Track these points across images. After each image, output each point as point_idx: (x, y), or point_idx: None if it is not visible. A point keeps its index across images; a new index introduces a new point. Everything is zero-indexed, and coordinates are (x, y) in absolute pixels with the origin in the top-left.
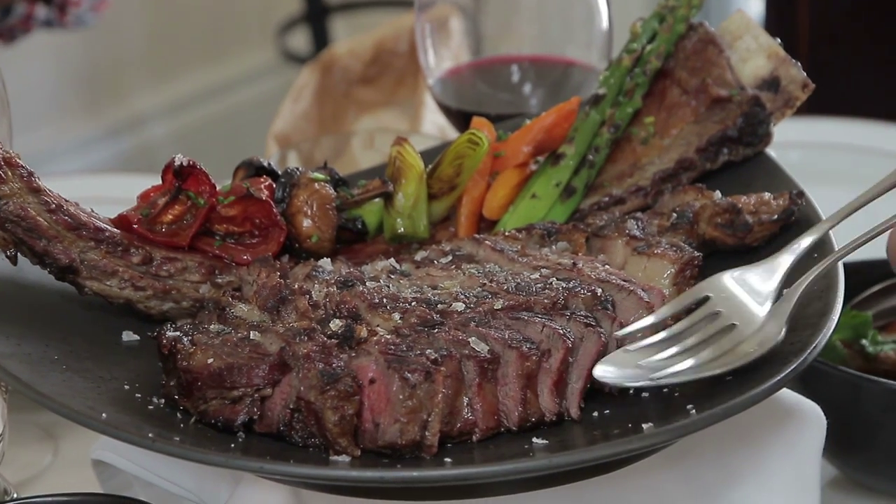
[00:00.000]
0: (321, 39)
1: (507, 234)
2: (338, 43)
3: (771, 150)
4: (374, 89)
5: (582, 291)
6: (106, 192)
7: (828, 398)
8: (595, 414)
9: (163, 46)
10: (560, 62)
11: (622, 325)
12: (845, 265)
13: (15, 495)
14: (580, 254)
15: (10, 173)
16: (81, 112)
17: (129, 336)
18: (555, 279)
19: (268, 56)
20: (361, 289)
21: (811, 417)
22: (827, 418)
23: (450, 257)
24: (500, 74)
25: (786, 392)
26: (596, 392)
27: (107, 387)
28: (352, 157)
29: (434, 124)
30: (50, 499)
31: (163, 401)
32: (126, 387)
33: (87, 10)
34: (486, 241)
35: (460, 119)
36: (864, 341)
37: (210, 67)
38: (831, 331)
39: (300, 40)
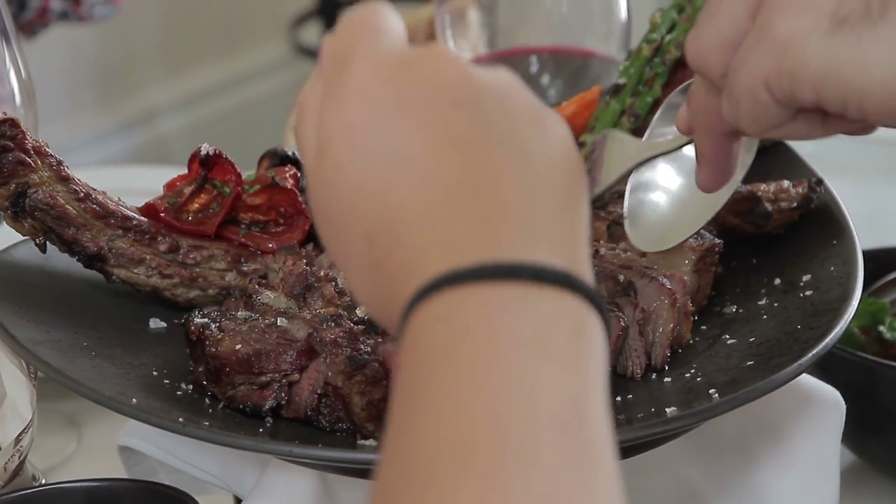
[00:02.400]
0: None
1: None
2: None
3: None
4: None
5: (603, 278)
6: (122, 184)
7: (846, 384)
8: (618, 399)
9: (176, 40)
10: (579, 53)
11: (644, 312)
12: (863, 252)
13: (43, 481)
14: (601, 241)
15: (39, 162)
16: (95, 106)
17: (156, 323)
18: None
19: (280, 50)
20: None
21: (831, 402)
22: (845, 404)
23: None
24: (519, 65)
25: (805, 377)
26: (618, 378)
27: (135, 373)
28: None
29: None
30: (78, 484)
31: (191, 387)
32: (154, 373)
33: (102, 2)
34: None
35: None
36: (881, 328)
37: (223, 61)
38: (851, 317)
39: (312, 34)
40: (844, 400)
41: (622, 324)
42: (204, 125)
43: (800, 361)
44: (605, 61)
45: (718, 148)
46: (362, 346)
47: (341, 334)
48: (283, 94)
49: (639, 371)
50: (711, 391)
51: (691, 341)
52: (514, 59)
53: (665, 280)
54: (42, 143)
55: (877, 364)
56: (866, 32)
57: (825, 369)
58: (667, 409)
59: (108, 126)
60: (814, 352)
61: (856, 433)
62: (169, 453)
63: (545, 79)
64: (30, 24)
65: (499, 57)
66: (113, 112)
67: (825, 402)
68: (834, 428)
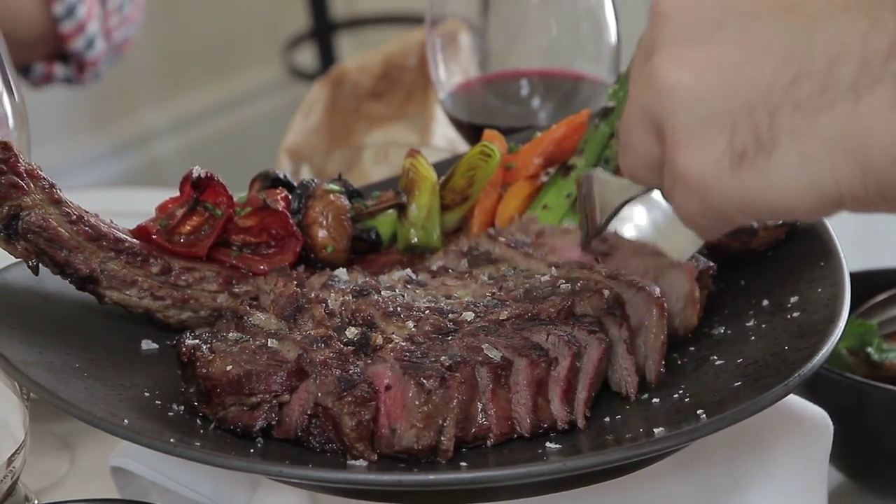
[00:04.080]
0: (327, 56)
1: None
2: (347, 58)
3: None
4: (384, 104)
5: (589, 294)
6: (116, 206)
7: (834, 405)
8: (607, 419)
9: (170, 63)
10: (569, 76)
11: (630, 329)
12: (851, 274)
13: (36, 502)
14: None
15: (32, 185)
16: (90, 128)
17: (148, 345)
18: (562, 281)
19: (274, 72)
20: (376, 298)
21: (819, 423)
22: (833, 425)
23: (465, 261)
24: (509, 88)
25: (793, 398)
26: (607, 398)
27: (127, 394)
28: (363, 170)
29: (444, 137)
30: None
31: (182, 407)
32: (146, 394)
33: (108, 60)
34: (501, 238)
35: (471, 132)
36: (869, 349)
37: (217, 84)
38: (838, 338)
39: (307, 57)
40: (833, 420)
41: (604, 345)
42: (198, 147)
43: (787, 382)
44: (594, 84)
45: None
46: (352, 368)
47: (331, 355)
48: (277, 116)
49: (632, 391)
50: (699, 412)
51: (679, 362)
52: (503, 83)
53: (654, 289)
54: (35, 166)
55: (864, 385)
56: (766, 163)
57: (813, 390)
58: (655, 430)
59: (102, 148)
60: (801, 372)
61: (844, 453)
62: (161, 474)
63: (535, 101)
64: (34, 81)
65: (489, 80)
66: (107, 134)
67: (813, 422)
68: (821, 448)
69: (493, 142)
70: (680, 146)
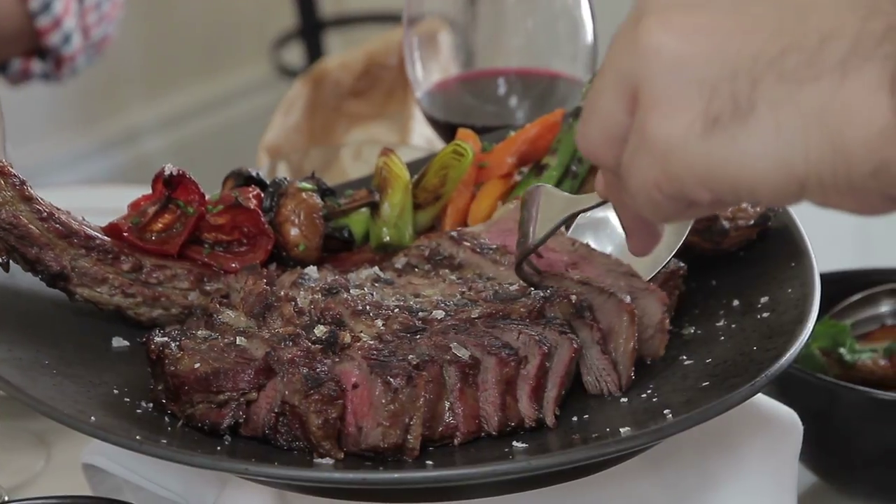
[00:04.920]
0: (315, 54)
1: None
2: (329, 57)
3: None
4: (365, 102)
5: (558, 299)
6: (100, 203)
7: (806, 405)
8: (574, 419)
9: (158, 61)
10: (545, 75)
11: (602, 331)
12: (825, 275)
13: (6, 498)
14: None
15: (2, 182)
16: (77, 125)
17: (118, 342)
18: (532, 289)
19: (263, 70)
20: (345, 296)
21: (788, 423)
22: (805, 425)
23: (429, 265)
24: (486, 87)
25: (763, 398)
26: (576, 397)
27: (96, 391)
28: (341, 169)
29: (423, 136)
30: (41, 501)
31: (151, 405)
32: (115, 391)
33: (87, 56)
34: (465, 242)
35: (447, 131)
36: (841, 350)
37: (205, 81)
38: (806, 338)
39: (295, 55)
40: (805, 421)
41: (575, 346)
42: (186, 145)
43: (753, 382)
44: (571, 83)
45: (636, 220)
46: (319, 366)
47: (299, 353)
48: (265, 114)
49: (614, 386)
50: (666, 411)
51: (649, 362)
52: (480, 81)
53: (624, 296)
54: (5, 164)
55: (835, 386)
56: (739, 130)
57: (785, 391)
58: (621, 430)
59: (90, 145)
60: (768, 373)
61: (817, 453)
62: (132, 471)
63: (512, 100)
64: (12, 78)
65: (465, 79)
66: (95, 131)
67: (782, 423)
68: (791, 448)
69: (468, 141)
70: (654, 108)
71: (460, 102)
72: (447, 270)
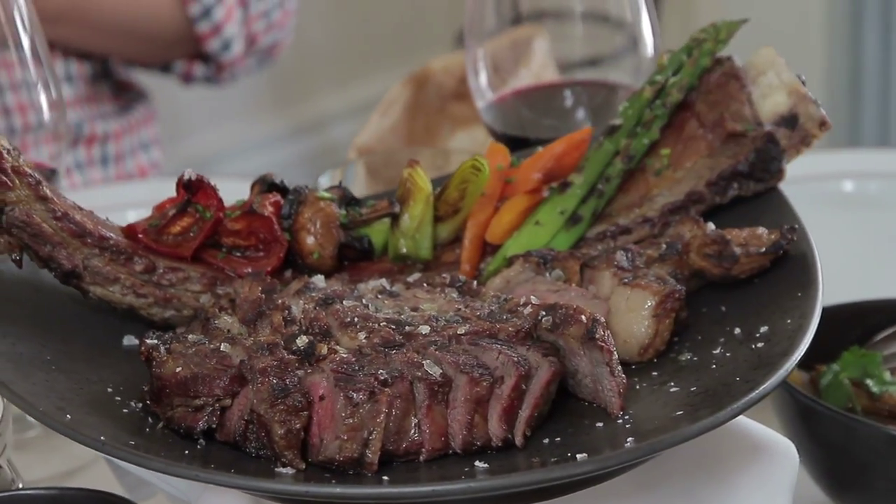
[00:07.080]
0: None
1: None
2: (433, 59)
3: (824, 182)
4: (469, 105)
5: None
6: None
7: (824, 439)
8: (546, 440)
9: (348, 49)
10: (605, 85)
11: (611, 353)
12: (865, 304)
13: (20, 486)
14: (573, 282)
15: (17, 181)
16: (270, 110)
17: (129, 340)
18: (543, 312)
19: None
20: (337, 307)
21: (783, 453)
22: (823, 458)
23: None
24: (544, 99)
25: (758, 427)
26: (556, 418)
27: (89, 388)
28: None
29: None
30: (44, 491)
31: (140, 405)
32: (109, 389)
33: (257, 61)
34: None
35: (507, 144)
36: (869, 381)
37: (393, 69)
38: (788, 371)
39: None
40: (824, 455)
41: (554, 369)
42: None
43: (717, 416)
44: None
45: None
46: (289, 377)
47: (273, 363)
48: None
49: (616, 410)
50: (628, 440)
51: (637, 387)
52: (538, 93)
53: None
54: (21, 164)
55: (852, 421)
56: None
57: (805, 423)
58: (577, 456)
59: (281, 130)
60: (733, 407)
61: (835, 488)
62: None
63: (576, 112)
64: (178, 78)
65: (525, 91)
66: (286, 117)
67: (777, 452)
68: (785, 478)
69: (497, 155)
70: None
71: (517, 115)
72: (453, 289)
